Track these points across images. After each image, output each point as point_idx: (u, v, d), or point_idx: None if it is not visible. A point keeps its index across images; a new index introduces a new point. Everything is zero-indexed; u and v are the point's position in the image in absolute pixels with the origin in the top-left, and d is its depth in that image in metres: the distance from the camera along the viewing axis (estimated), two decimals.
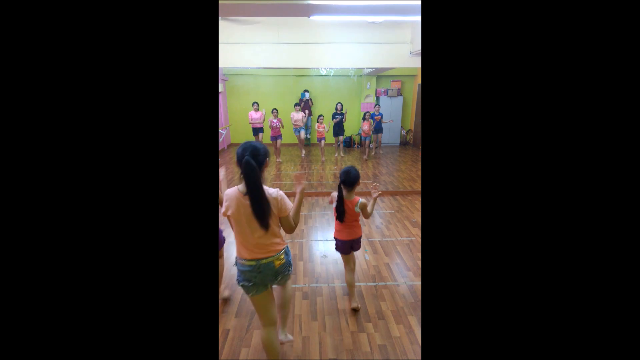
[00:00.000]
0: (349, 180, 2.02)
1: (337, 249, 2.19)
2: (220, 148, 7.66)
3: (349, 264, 2.21)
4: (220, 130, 7.41)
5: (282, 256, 1.50)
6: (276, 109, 6.66)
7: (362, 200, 2.07)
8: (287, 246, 1.55)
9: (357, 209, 2.07)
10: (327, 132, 6.87)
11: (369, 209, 2.06)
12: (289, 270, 1.56)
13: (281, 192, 1.44)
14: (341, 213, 2.06)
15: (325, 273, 2.64)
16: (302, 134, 7.13)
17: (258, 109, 6.64)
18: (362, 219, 3.76)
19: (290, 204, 1.47)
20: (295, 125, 6.98)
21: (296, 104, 7.10)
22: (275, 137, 6.62)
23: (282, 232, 1.50)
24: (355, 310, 2.17)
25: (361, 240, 2.20)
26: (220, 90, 7.63)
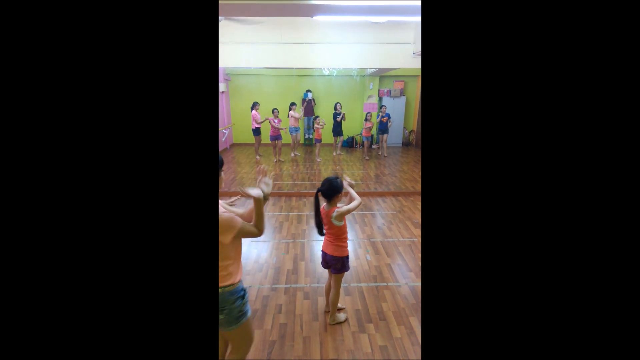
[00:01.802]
0: (328, 191, 1.80)
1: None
2: (222, 148, 7.67)
3: (330, 277, 2.05)
4: (222, 130, 7.42)
5: (227, 294, 1.24)
6: (277, 109, 6.60)
7: (338, 210, 1.83)
8: (242, 288, 1.30)
9: (334, 221, 1.82)
10: (323, 127, 6.89)
11: (347, 206, 1.85)
12: (236, 320, 1.28)
13: (226, 215, 1.23)
14: (318, 224, 1.84)
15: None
16: (296, 135, 7.09)
17: (258, 109, 6.58)
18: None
19: (238, 221, 1.25)
20: (292, 124, 6.93)
21: (292, 103, 7.00)
22: (275, 137, 6.54)
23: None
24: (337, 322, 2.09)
25: (348, 257, 1.95)
26: (223, 90, 7.63)
